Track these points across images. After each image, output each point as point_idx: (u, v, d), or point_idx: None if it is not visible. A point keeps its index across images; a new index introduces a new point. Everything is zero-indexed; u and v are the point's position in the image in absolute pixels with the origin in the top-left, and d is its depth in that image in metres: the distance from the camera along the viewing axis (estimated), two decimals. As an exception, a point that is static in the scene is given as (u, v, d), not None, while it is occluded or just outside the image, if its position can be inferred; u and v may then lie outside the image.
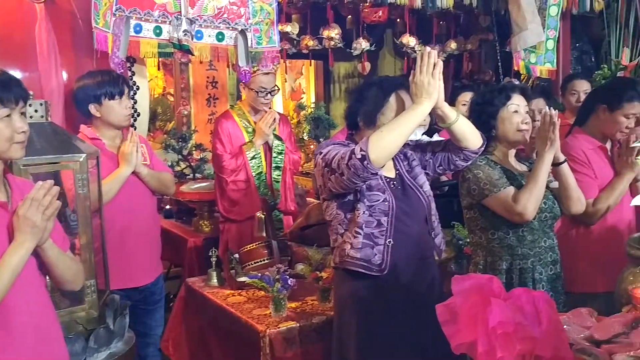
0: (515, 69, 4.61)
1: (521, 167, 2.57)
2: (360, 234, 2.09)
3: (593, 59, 5.36)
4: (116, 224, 2.63)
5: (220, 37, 3.14)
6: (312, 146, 5.23)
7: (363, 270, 2.10)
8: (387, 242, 2.10)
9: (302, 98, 7.32)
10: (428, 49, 2.09)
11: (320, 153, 2.12)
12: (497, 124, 2.47)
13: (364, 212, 2.10)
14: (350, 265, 2.12)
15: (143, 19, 2.87)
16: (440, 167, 2.27)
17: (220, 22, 3.13)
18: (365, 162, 1.92)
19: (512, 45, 4.49)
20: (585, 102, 3.01)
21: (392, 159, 2.21)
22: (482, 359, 1.37)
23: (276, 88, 3.55)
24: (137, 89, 3.20)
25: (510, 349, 1.37)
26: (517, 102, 2.47)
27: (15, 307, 1.63)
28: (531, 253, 2.43)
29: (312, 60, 6.12)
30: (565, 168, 2.48)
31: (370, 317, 2.13)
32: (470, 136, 2.16)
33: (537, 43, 4.46)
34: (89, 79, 2.71)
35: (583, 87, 4.08)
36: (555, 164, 2.45)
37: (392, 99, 2.15)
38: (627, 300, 1.65)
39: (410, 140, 2.35)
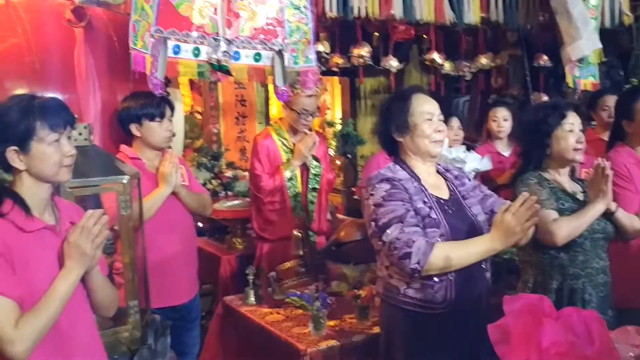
0: (567, 82, 4.53)
1: (574, 187, 2.52)
2: None
3: (622, 73, 5.30)
4: (155, 243, 2.65)
5: (257, 57, 3.12)
6: (337, 162, 5.24)
7: (422, 310, 2.05)
8: (449, 276, 2.02)
9: (326, 114, 7.34)
10: (532, 197, 1.94)
11: (372, 195, 2.06)
12: (551, 142, 2.44)
13: None
14: (408, 305, 2.07)
15: (181, 40, 2.86)
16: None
17: (257, 43, 3.10)
18: (414, 274, 1.94)
19: (564, 56, 4.38)
20: (615, 117, 3.00)
21: (445, 180, 2.22)
22: (536, 379, 1.36)
23: (318, 110, 3.56)
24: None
25: (564, 369, 1.36)
26: (572, 120, 2.43)
27: (65, 330, 1.66)
28: (583, 274, 2.39)
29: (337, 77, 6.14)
30: (619, 214, 2.44)
31: (423, 345, 2.07)
32: None
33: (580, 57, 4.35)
34: (132, 100, 2.78)
35: (614, 102, 4.04)
36: (609, 214, 2.40)
37: (414, 99, 2.16)
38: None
39: (457, 168, 2.36)
